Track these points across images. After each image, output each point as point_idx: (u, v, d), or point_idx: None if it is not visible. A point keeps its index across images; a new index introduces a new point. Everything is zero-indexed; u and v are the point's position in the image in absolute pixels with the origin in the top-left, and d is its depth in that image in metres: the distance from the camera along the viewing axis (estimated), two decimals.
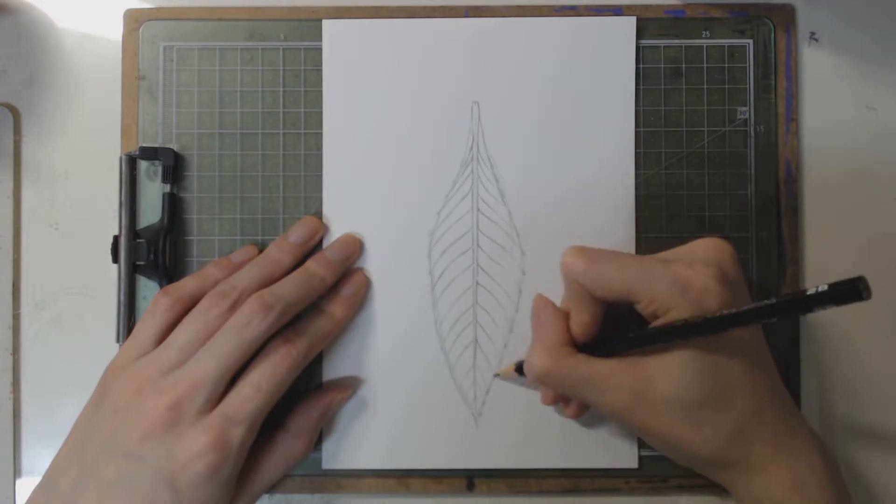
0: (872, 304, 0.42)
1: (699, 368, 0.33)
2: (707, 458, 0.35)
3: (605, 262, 0.35)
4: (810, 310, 0.30)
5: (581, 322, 0.37)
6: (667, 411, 0.34)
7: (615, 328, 0.38)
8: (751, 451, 0.34)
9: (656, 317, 0.34)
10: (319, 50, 0.41)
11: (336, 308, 0.39)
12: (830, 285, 0.29)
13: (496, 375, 0.41)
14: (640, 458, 0.41)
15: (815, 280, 0.42)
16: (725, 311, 0.32)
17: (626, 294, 0.35)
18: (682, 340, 0.33)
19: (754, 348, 0.35)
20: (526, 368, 0.37)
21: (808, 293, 0.30)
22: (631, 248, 0.41)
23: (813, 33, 0.43)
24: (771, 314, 0.31)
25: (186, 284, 0.38)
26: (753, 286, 0.41)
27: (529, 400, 0.41)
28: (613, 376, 0.35)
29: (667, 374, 0.34)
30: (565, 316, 0.37)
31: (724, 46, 0.42)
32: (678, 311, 0.33)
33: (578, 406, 0.39)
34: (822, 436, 0.41)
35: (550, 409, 0.41)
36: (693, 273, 0.34)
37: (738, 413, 0.34)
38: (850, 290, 0.29)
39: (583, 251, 0.36)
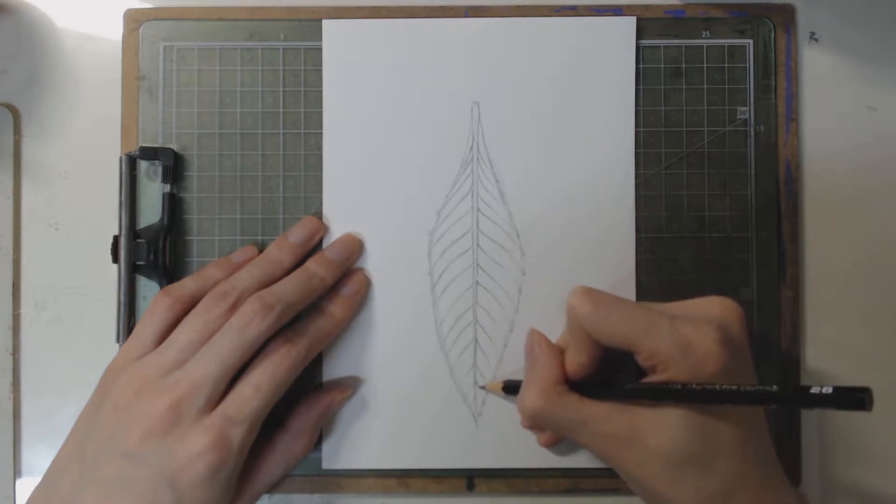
0: (872, 305, 0.42)
1: (690, 426, 0.33)
2: None
3: (610, 310, 0.35)
4: (810, 407, 0.30)
5: (579, 363, 0.36)
6: (653, 463, 0.34)
7: (611, 368, 0.37)
8: None
9: (654, 370, 0.34)
10: (319, 50, 0.41)
11: (336, 308, 0.39)
12: (835, 389, 0.29)
13: (482, 387, 0.41)
14: None
15: (815, 281, 0.42)
16: (724, 386, 0.32)
17: (628, 345, 0.34)
18: (674, 403, 0.33)
19: (748, 411, 0.34)
20: (518, 406, 0.37)
21: (812, 391, 0.30)
22: (631, 248, 0.41)
23: (813, 33, 0.43)
24: (770, 401, 0.31)
25: (186, 285, 0.38)
26: (753, 284, 0.41)
27: None
28: (605, 421, 0.35)
29: (657, 428, 0.33)
30: (559, 353, 0.37)
31: (724, 46, 0.42)
32: (676, 371, 0.33)
33: (553, 437, 0.39)
34: (822, 431, 0.41)
35: None
36: (698, 335, 0.33)
37: (722, 475, 0.33)
38: (854, 401, 0.29)
39: (589, 294, 0.35)
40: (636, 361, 0.35)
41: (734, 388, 0.32)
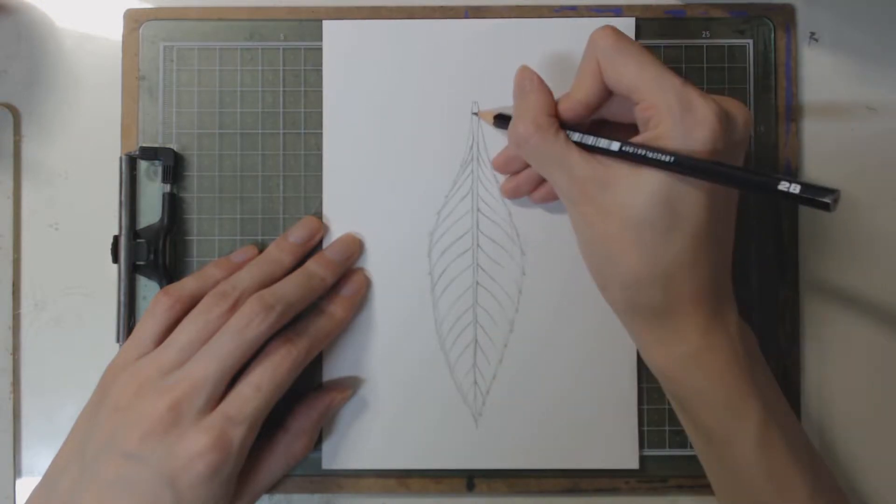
0: (873, 304, 0.42)
1: (660, 192, 0.33)
2: (633, 280, 0.34)
3: (630, 51, 0.34)
4: (775, 196, 0.31)
5: (577, 99, 0.36)
6: (615, 218, 0.34)
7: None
8: (672, 298, 0.34)
9: (647, 125, 0.34)
10: (319, 50, 0.41)
11: (336, 308, 0.39)
12: (803, 186, 0.30)
13: (475, 114, 0.41)
14: (641, 459, 0.41)
15: (814, 282, 0.42)
16: (703, 160, 0.32)
17: (633, 90, 0.34)
18: (650, 168, 0.33)
19: (721, 199, 0.34)
20: (510, 132, 0.37)
21: (779, 187, 0.31)
22: None
23: (813, 33, 0.43)
24: (737, 183, 0.32)
25: (186, 284, 0.38)
26: (753, 284, 0.41)
27: (529, 400, 0.41)
28: (583, 167, 0.35)
29: (630, 184, 0.34)
30: (550, 90, 0.37)
31: (724, 46, 0.42)
32: (668, 128, 0.33)
33: (519, 186, 0.40)
34: (823, 431, 0.42)
35: (550, 409, 0.41)
36: (701, 102, 0.33)
37: (676, 249, 0.33)
38: (819, 203, 0.30)
39: (616, 32, 0.35)
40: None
41: (708, 161, 0.32)
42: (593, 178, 0.34)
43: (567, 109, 0.36)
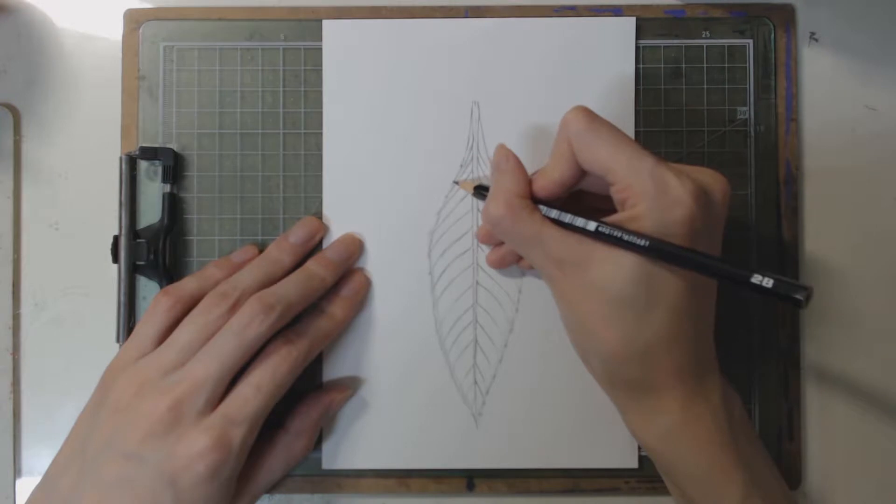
0: (872, 304, 0.42)
1: (637, 271, 0.33)
2: (612, 356, 0.34)
3: (602, 132, 0.34)
4: (749, 291, 0.31)
5: (550, 179, 0.36)
6: (592, 296, 0.34)
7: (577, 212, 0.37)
8: (652, 372, 0.34)
9: (624, 205, 0.34)
10: (319, 50, 0.41)
11: (336, 308, 0.39)
12: (776, 282, 0.30)
13: (455, 182, 0.41)
14: (641, 458, 0.41)
15: (815, 281, 0.42)
16: (677, 246, 0.32)
17: (607, 171, 0.34)
18: (625, 250, 0.33)
19: (701, 293, 0.34)
20: (483, 214, 0.37)
21: (752, 280, 0.31)
22: None
23: (813, 33, 0.43)
24: (710, 273, 0.32)
25: (187, 285, 0.38)
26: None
27: (529, 400, 0.41)
28: (559, 244, 0.34)
29: (607, 263, 0.33)
30: (525, 170, 0.37)
31: (724, 46, 0.42)
32: (644, 209, 0.33)
33: (504, 257, 0.40)
34: (823, 431, 0.42)
35: (550, 409, 0.41)
36: (676, 182, 0.32)
37: (653, 328, 0.33)
38: (792, 300, 0.30)
39: (588, 113, 0.35)
40: (600, 214, 0.35)
41: (681, 249, 0.32)
42: (569, 256, 0.34)
43: (542, 189, 0.36)
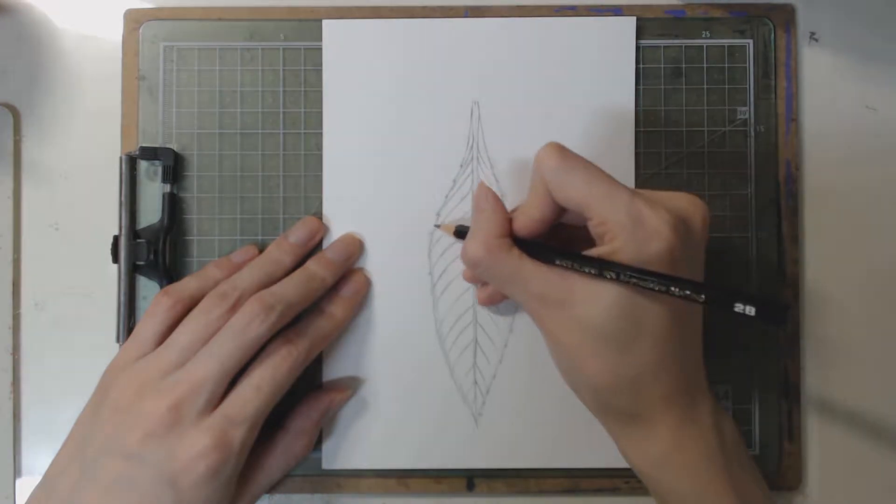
0: (872, 305, 0.42)
1: (620, 304, 0.33)
2: (600, 387, 0.34)
3: (577, 169, 0.34)
4: (732, 313, 0.32)
5: (530, 217, 0.36)
6: (576, 331, 0.33)
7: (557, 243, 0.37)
8: (641, 401, 0.34)
9: (602, 240, 0.34)
10: (319, 50, 0.41)
11: (336, 309, 0.39)
12: (758, 310, 0.31)
13: (437, 226, 0.41)
14: None
15: (815, 281, 0.42)
16: (656, 273, 0.32)
17: (583, 207, 0.34)
18: (606, 280, 0.33)
19: (686, 318, 0.34)
20: (462, 255, 0.37)
21: (735, 309, 0.31)
22: None
23: (813, 33, 0.43)
24: (693, 299, 0.32)
25: (187, 285, 0.38)
26: (753, 284, 0.41)
27: (529, 400, 0.41)
28: (541, 281, 0.34)
29: (589, 297, 0.33)
30: (504, 209, 0.36)
31: (724, 46, 0.42)
32: (622, 243, 0.33)
33: (491, 294, 0.40)
34: (823, 431, 0.41)
35: (550, 409, 0.41)
36: (652, 213, 0.33)
37: (640, 359, 0.33)
38: (774, 319, 0.31)
39: (560, 151, 0.35)
40: (583, 245, 0.35)
41: (662, 275, 0.32)
42: (551, 293, 0.34)
43: (521, 227, 0.36)
